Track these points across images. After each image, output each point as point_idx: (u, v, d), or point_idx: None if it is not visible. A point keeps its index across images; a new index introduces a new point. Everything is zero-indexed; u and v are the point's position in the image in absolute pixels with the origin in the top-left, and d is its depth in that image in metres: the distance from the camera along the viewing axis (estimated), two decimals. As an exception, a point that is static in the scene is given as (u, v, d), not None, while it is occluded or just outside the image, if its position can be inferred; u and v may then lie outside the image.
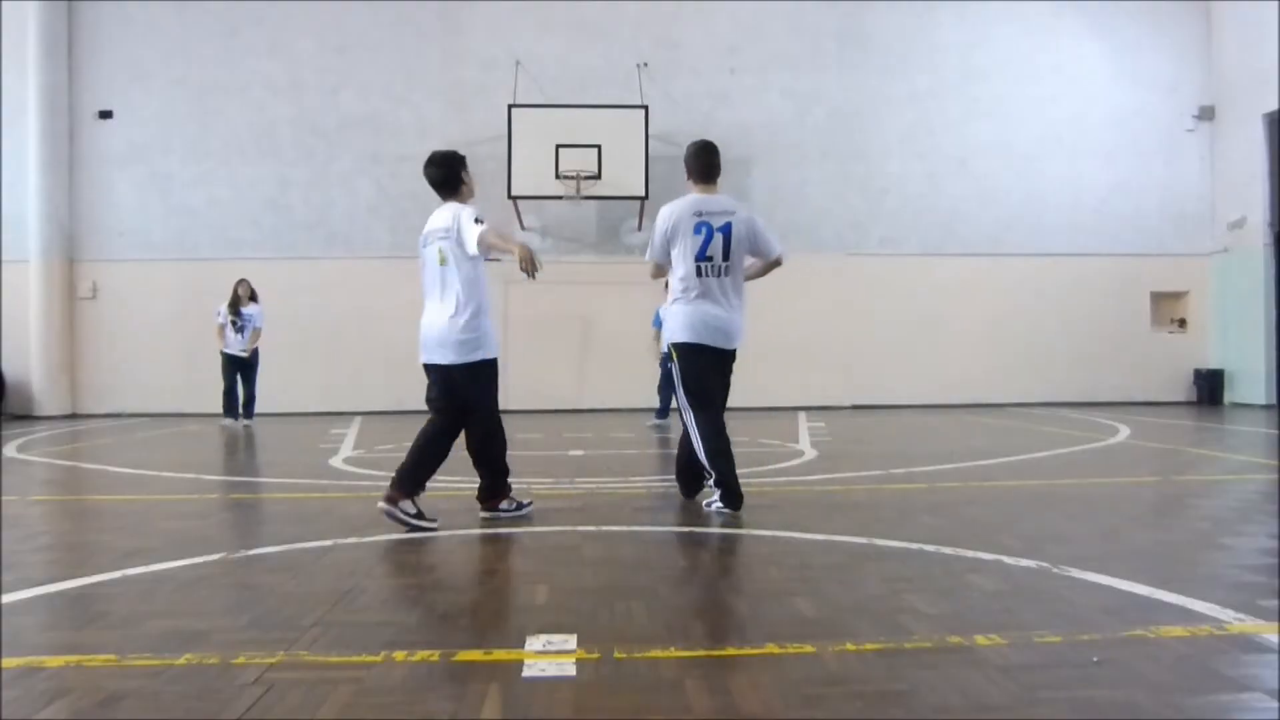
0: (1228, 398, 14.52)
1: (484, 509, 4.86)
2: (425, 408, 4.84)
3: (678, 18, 14.63)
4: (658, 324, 10.42)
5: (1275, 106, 13.45)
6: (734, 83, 14.64)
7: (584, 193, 13.28)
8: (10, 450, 8.85)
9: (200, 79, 14.42)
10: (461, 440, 4.88)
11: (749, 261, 5.03)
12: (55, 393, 14.09)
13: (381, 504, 4.50)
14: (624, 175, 13.26)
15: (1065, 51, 14.94)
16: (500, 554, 3.93)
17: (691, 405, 4.94)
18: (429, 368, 4.78)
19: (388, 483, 4.61)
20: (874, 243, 14.78)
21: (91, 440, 10.25)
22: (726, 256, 4.83)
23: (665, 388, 10.48)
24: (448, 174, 4.88)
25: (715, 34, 14.65)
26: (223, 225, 14.44)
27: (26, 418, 13.64)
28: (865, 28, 14.79)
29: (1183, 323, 15.16)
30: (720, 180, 5.02)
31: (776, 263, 5.04)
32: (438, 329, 4.70)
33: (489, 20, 14.50)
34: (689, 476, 5.20)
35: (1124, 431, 9.64)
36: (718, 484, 4.87)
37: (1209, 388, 14.61)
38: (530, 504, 4.99)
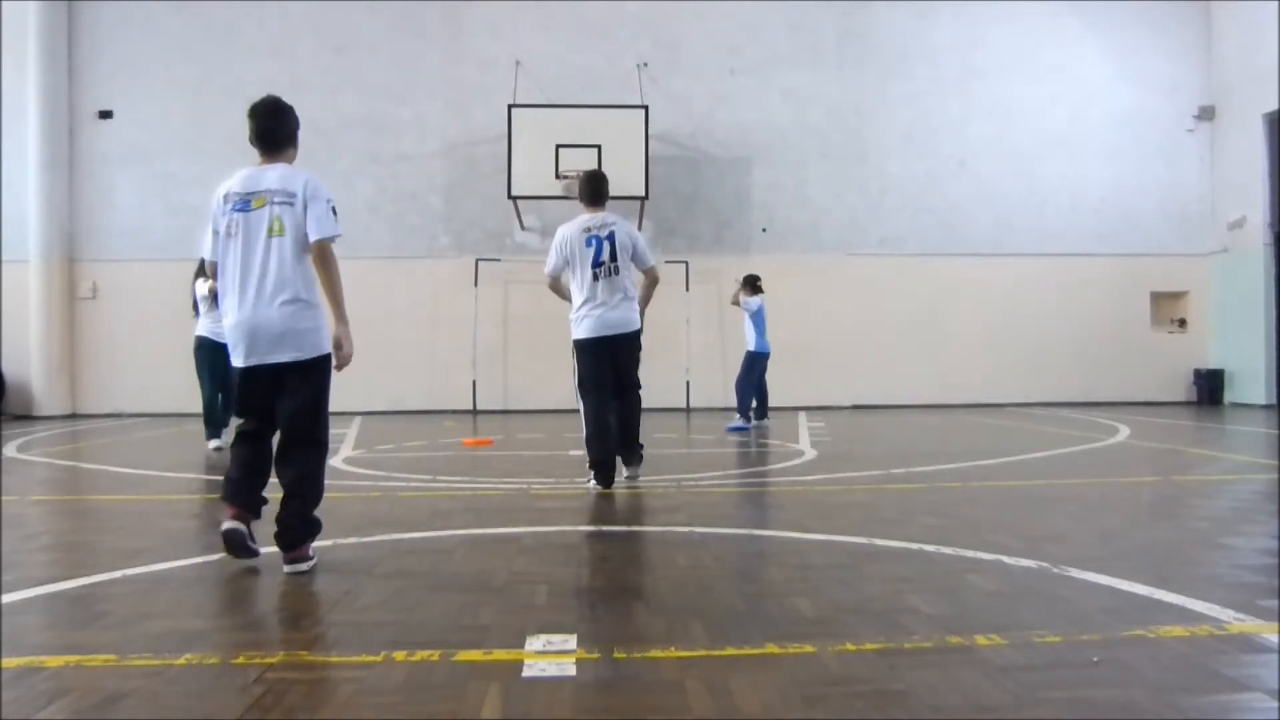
0: (1228, 398, 14.53)
1: (290, 560, 3.62)
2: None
3: (678, 18, 14.63)
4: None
5: (1275, 106, 13.45)
6: (734, 83, 14.64)
7: (584, 193, 13.27)
8: (10, 450, 8.85)
9: (200, 79, 14.42)
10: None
11: (637, 278, 5.94)
12: (55, 393, 14.09)
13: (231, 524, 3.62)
14: (624, 175, 13.20)
15: (1065, 51, 14.95)
16: (500, 554, 3.93)
17: (582, 394, 5.84)
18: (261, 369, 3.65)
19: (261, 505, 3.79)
20: (874, 243, 14.78)
21: (91, 440, 10.25)
22: (614, 259, 5.74)
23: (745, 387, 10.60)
24: (288, 126, 4.02)
25: (715, 34, 14.65)
26: (223, 225, 14.43)
27: (26, 418, 13.64)
28: (865, 28, 14.80)
29: (1183, 323, 15.16)
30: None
31: (653, 278, 5.99)
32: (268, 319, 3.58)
33: (489, 20, 14.50)
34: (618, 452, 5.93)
35: (1124, 431, 9.64)
36: (591, 465, 5.73)
37: (1209, 388, 14.61)
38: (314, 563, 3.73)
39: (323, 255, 3.66)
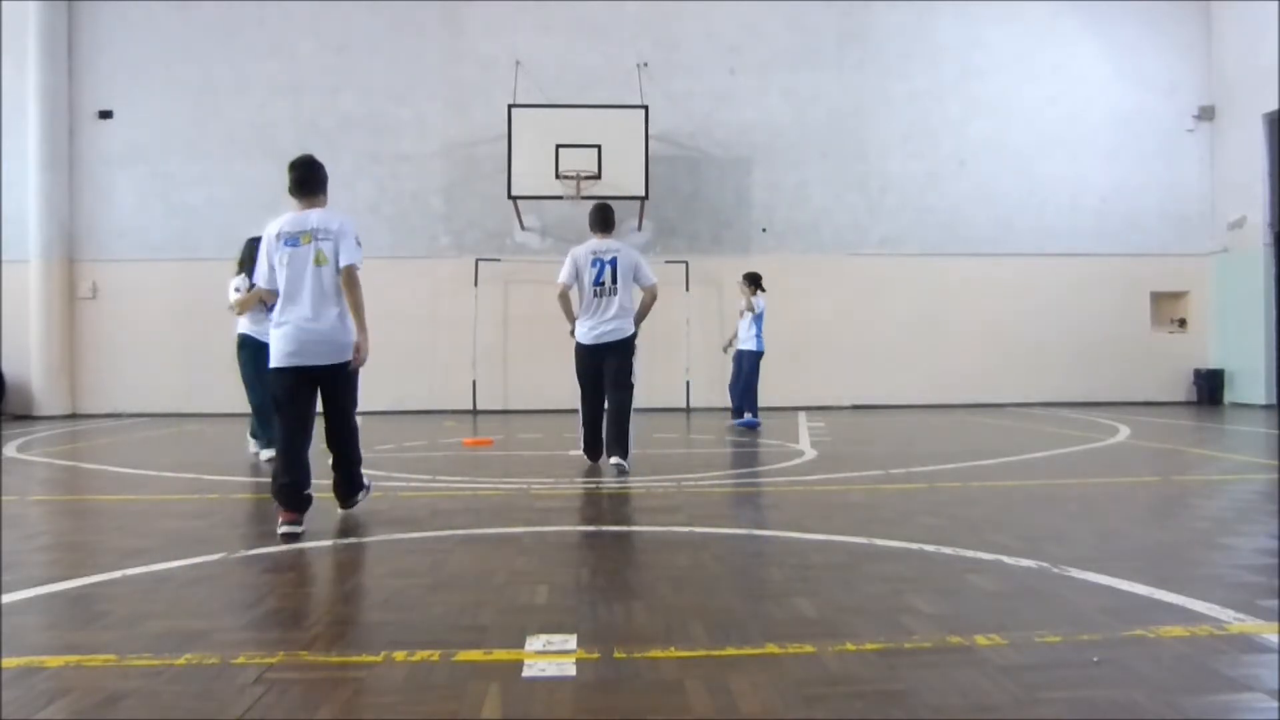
0: (1228, 398, 14.53)
1: (343, 506, 4.90)
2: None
3: (678, 18, 14.63)
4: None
5: (1275, 106, 13.45)
6: (734, 83, 14.64)
7: (584, 193, 13.27)
8: (10, 450, 8.85)
9: (200, 79, 14.42)
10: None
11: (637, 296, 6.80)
12: (55, 393, 14.09)
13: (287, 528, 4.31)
14: (624, 175, 13.26)
15: (1065, 51, 14.95)
16: (500, 554, 3.93)
17: (582, 391, 6.86)
18: (301, 369, 4.52)
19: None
20: (874, 243, 14.78)
21: (91, 440, 10.24)
22: (614, 280, 6.62)
23: (733, 387, 10.66)
24: (321, 177, 4.83)
25: (715, 34, 14.65)
26: (223, 225, 14.40)
27: (26, 418, 13.65)
28: (865, 28, 14.80)
29: (1183, 323, 15.16)
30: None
31: (653, 294, 6.76)
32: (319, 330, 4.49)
33: (489, 20, 14.50)
34: (599, 441, 6.83)
35: (1124, 431, 9.64)
36: (585, 449, 6.93)
37: (1209, 388, 14.61)
38: (370, 487, 5.10)
39: (350, 277, 4.54)
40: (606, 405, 6.69)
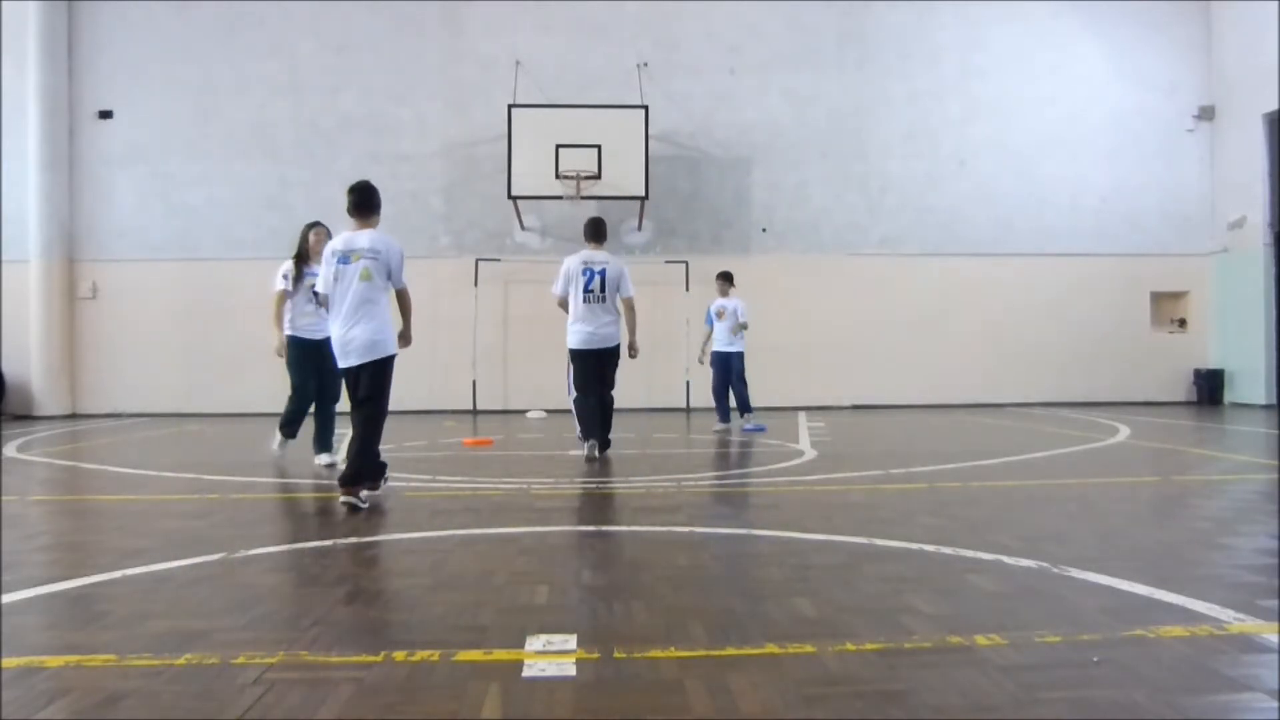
0: (1228, 398, 14.53)
1: (344, 491, 5.18)
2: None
3: (678, 18, 14.63)
4: (710, 323, 10.36)
5: (1275, 106, 13.45)
6: (734, 83, 14.64)
7: (584, 193, 13.28)
8: (10, 450, 8.85)
9: (200, 79, 14.42)
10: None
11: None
12: (55, 393, 14.09)
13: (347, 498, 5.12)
14: (624, 175, 13.26)
15: (1065, 51, 14.95)
16: (500, 554, 3.93)
17: (576, 389, 7.44)
18: (348, 369, 5.44)
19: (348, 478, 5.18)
20: (874, 243, 14.78)
21: (91, 440, 10.24)
22: (603, 289, 7.25)
23: (721, 390, 10.15)
24: (375, 202, 5.52)
25: (715, 34, 14.66)
26: (223, 225, 14.44)
27: (26, 418, 13.65)
28: (865, 28, 14.80)
29: (1183, 323, 15.16)
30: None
31: (629, 306, 7.33)
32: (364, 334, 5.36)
33: (489, 20, 14.50)
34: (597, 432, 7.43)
35: (1123, 431, 9.64)
36: (583, 438, 7.46)
37: (1209, 388, 14.61)
38: (367, 503, 5.29)
39: (401, 294, 5.61)
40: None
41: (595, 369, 7.29)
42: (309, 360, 7.11)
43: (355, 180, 5.52)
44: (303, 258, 7.04)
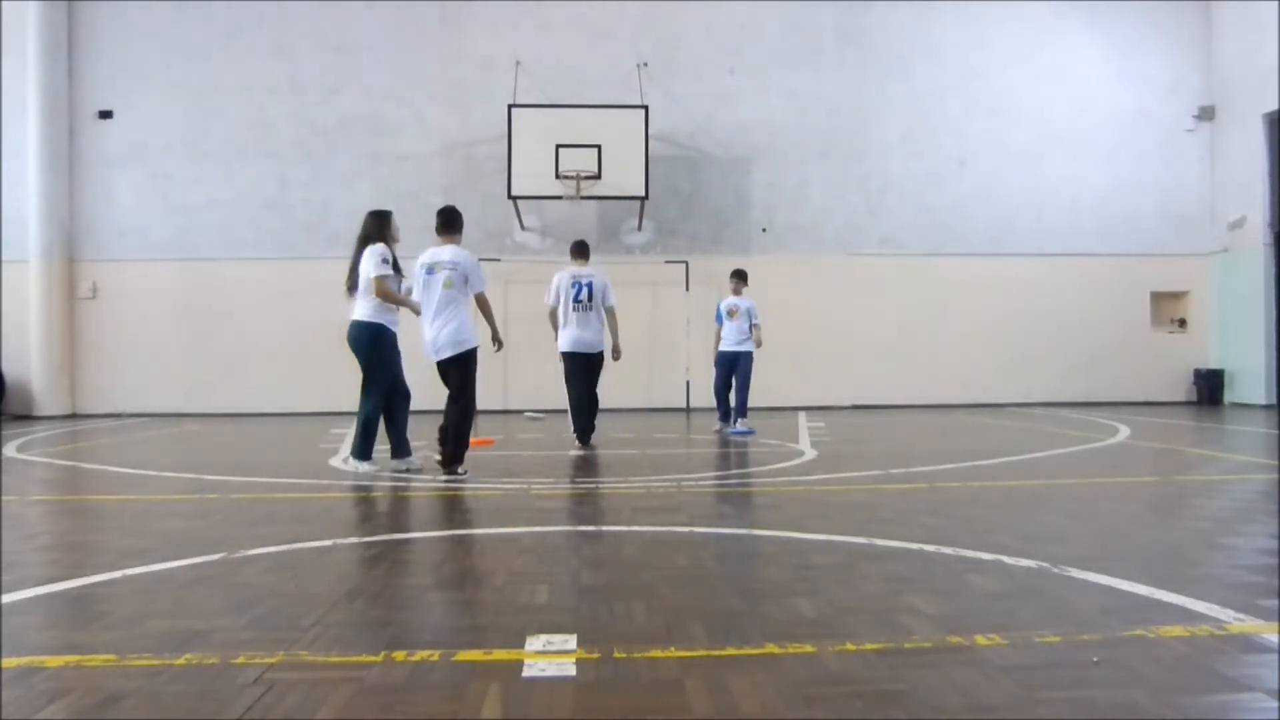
0: (1228, 398, 14.53)
1: (445, 470, 6.42)
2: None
3: (678, 18, 14.63)
4: (720, 320, 10.24)
5: (1275, 106, 13.45)
6: (734, 83, 14.64)
7: (584, 193, 13.28)
8: (10, 450, 8.85)
9: (200, 79, 14.42)
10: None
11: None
12: (55, 393, 14.09)
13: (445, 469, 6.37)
14: (624, 175, 13.26)
15: (1065, 51, 14.95)
16: (500, 554, 3.93)
17: (567, 386, 8.44)
18: (439, 363, 6.60)
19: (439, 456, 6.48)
20: (874, 243, 14.78)
21: (91, 440, 10.24)
22: (590, 299, 8.27)
23: (723, 389, 10.00)
24: (457, 223, 6.76)
25: (715, 34, 14.66)
26: (223, 225, 14.44)
27: (26, 418, 13.65)
28: (865, 27, 14.80)
29: (1183, 323, 15.17)
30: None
31: (611, 313, 8.37)
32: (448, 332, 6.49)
33: (489, 20, 14.50)
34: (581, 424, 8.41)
35: (1124, 431, 9.64)
36: (575, 431, 8.36)
37: (1209, 388, 14.61)
38: (466, 472, 6.47)
39: (481, 299, 6.61)
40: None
41: (583, 369, 8.32)
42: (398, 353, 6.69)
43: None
44: (386, 244, 6.59)
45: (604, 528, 4.58)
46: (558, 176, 13.18)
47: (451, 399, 6.55)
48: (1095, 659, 2.46)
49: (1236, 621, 2.79)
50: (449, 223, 6.69)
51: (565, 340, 8.34)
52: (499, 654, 2.56)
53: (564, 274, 8.43)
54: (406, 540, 4.26)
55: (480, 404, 14.57)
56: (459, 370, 6.50)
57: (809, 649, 2.57)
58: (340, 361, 15.67)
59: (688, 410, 13.91)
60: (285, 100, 14.45)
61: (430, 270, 6.52)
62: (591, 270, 8.46)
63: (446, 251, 6.55)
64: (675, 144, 14.49)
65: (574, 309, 8.28)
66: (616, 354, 8.53)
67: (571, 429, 8.44)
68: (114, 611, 3.07)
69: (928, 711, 2.14)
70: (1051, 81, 14.87)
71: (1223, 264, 14.77)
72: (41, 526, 4.97)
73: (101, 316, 14.37)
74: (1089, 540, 4.13)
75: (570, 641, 2.65)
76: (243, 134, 14.45)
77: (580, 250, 8.63)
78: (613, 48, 14.50)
